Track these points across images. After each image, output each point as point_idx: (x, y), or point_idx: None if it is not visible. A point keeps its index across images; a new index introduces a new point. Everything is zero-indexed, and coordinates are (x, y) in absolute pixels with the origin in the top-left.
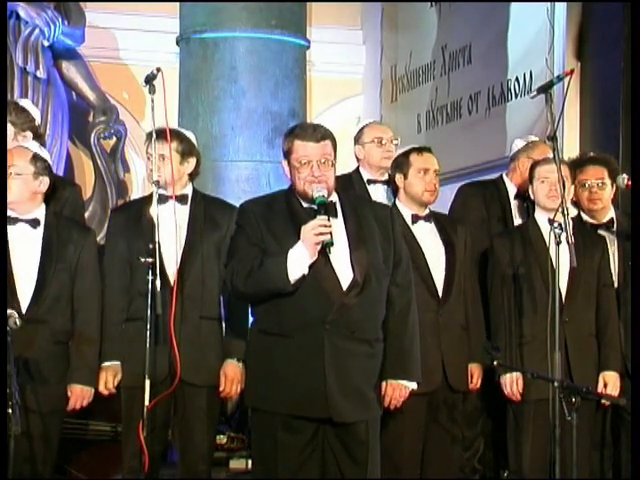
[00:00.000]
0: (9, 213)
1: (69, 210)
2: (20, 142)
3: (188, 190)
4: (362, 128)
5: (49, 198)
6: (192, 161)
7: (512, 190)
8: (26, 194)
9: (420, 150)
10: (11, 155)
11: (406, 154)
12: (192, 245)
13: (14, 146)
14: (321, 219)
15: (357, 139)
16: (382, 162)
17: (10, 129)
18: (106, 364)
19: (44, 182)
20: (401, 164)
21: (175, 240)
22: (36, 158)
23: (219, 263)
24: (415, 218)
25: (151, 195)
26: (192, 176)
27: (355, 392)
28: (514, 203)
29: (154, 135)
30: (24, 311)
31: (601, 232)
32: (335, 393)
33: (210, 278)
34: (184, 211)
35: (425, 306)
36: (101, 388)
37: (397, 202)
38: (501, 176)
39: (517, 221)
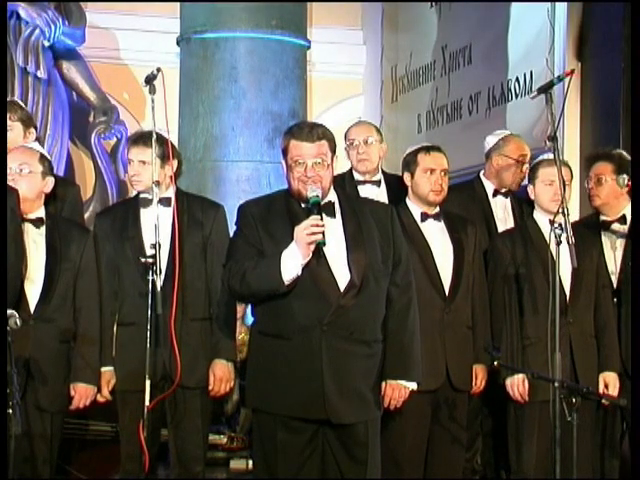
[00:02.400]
0: None
1: (69, 210)
2: (29, 139)
3: (170, 192)
4: (347, 131)
5: (48, 198)
6: (173, 164)
7: (490, 188)
8: (34, 193)
9: (428, 149)
10: (20, 153)
11: (415, 153)
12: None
13: (19, 145)
14: (313, 219)
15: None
16: (358, 165)
17: (19, 127)
18: (101, 369)
19: (50, 182)
20: (409, 163)
21: (162, 243)
22: (43, 158)
23: (205, 263)
24: (424, 216)
25: (135, 197)
26: (175, 178)
27: (353, 393)
28: (494, 201)
29: (154, 136)
30: (32, 311)
31: (614, 228)
32: (333, 394)
33: (197, 279)
34: (167, 213)
35: (431, 304)
36: (98, 397)
37: (407, 200)
38: (478, 176)
39: (499, 219)
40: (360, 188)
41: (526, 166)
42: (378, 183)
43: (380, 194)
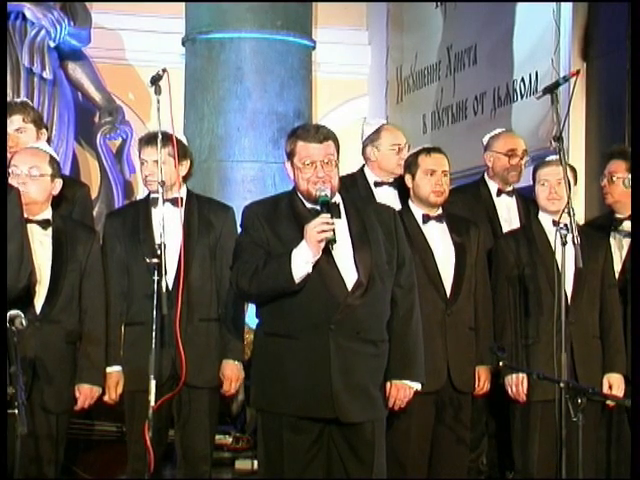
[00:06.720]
0: None
1: (80, 211)
2: (41, 140)
3: (182, 193)
4: (379, 130)
5: (55, 199)
6: (186, 164)
7: (494, 188)
8: (43, 195)
9: (429, 151)
10: (30, 155)
11: (415, 155)
12: (187, 248)
13: (28, 147)
14: (324, 217)
15: (373, 140)
16: (396, 169)
17: (32, 129)
18: (108, 370)
19: (58, 184)
20: (410, 164)
21: (172, 243)
22: (53, 160)
23: (214, 264)
24: (426, 218)
25: (146, 198)
26: (185, 178)
27: (361, 392)
28: (498, 201)
29: (159, 136)
30: (38, 311)
31: (624, 226)
32: (341, 393)
33: (206, 279)
34: (178, 214)
35: (433, 306)
36: (105, 398)
37: (409, 202)
38: (483, 176)
39: (504, 219)
40: (377, 190)
41: (518, 159)
42: (395, 185)
43: (396, 195)
